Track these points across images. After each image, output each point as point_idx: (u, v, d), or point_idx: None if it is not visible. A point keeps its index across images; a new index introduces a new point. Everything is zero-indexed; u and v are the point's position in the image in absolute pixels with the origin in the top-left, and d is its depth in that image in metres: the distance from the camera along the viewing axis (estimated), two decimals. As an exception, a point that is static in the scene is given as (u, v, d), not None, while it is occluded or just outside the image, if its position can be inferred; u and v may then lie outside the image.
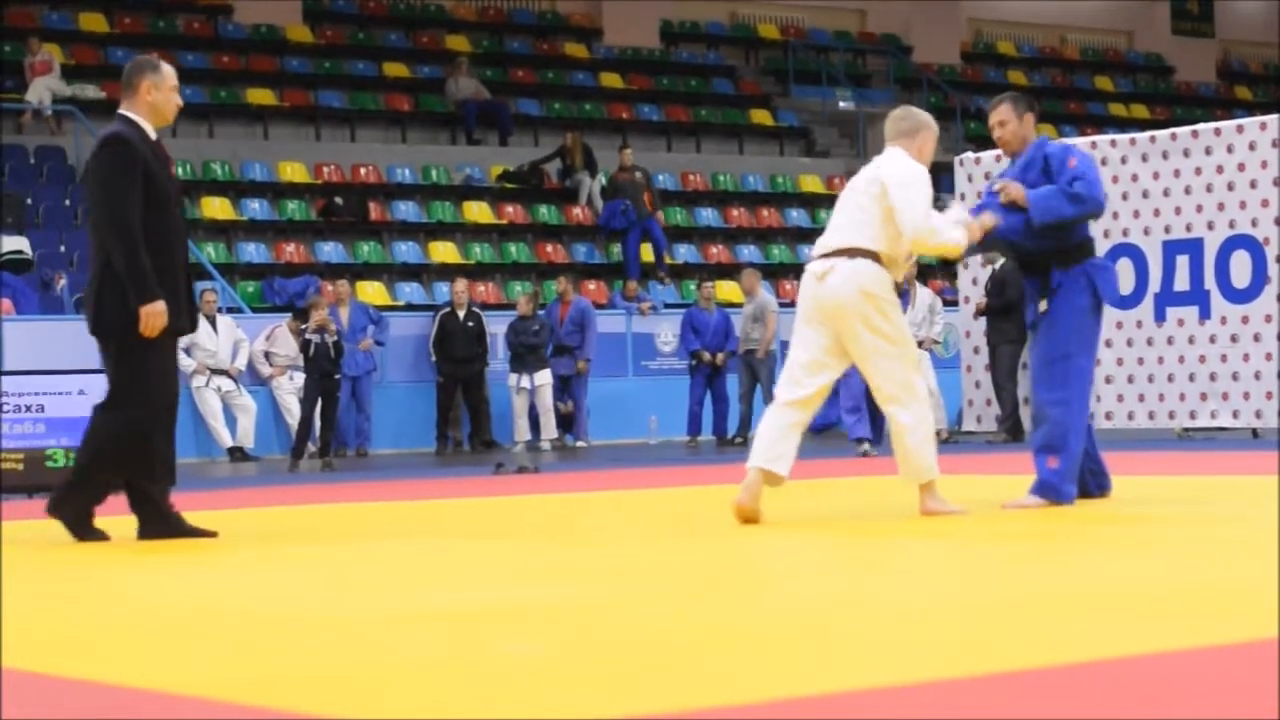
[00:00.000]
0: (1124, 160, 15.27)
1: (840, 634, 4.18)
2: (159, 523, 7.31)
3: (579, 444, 18.68)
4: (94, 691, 3.65)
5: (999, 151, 16.81)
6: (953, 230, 7.53)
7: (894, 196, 7.34)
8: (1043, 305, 7.80)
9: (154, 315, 7.20)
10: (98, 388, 11.81)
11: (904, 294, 14.41)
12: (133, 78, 7.47)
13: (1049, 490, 7.70)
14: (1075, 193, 7.68)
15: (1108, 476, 8.14)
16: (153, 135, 7.44)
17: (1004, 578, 5.39)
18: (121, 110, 7.46)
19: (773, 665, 3.73)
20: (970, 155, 17.13)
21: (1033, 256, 7.91)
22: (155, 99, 7.44)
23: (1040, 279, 7.89)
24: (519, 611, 4.75)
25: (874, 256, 7.39)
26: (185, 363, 16.54)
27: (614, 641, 4.20)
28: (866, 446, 14.01)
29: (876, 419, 14.01)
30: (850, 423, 14.29)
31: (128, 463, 7.32)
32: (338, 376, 15.82)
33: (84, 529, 7.37)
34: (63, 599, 5.54)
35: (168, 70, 7.52)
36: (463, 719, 3.22)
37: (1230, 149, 14.70)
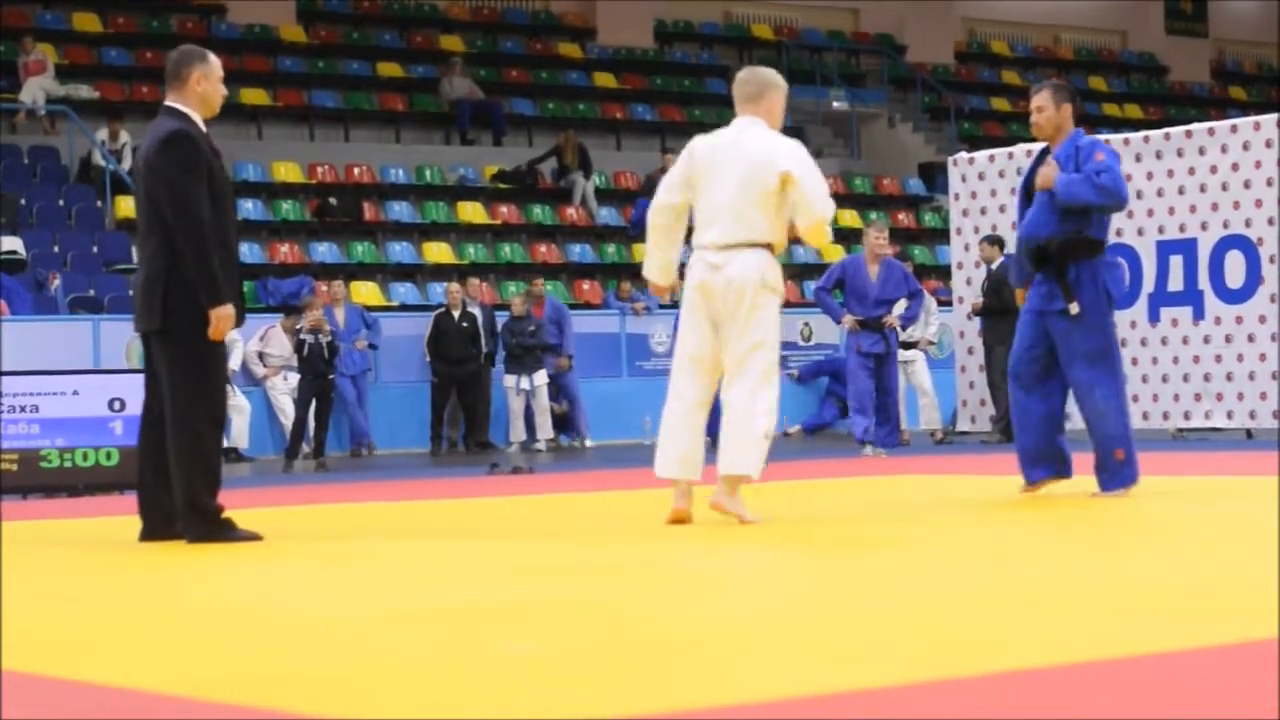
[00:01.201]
0: (1118, 160, 15.28)
1: (839, 632, 4.18)
2: (163, 525, 7.27)
3: (585, 440, 18.75)
4: (94, 692, 3.64)
5: (993, 152, 16.94)
6: None
7: (805, 188, 7.32)
8: (1074, 308, 8.17)
9: (223, 319, 7.00)
10: (91, 388, 11.89)
11: (917, 294, 14.41)
12: (181, 68, 7.17)
13: (1127, 480, 8.26)
14: (1101, 184, 8.11)
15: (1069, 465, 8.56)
16: (203, 128, 7.16)
17: (1001, 577, 5.39)
18: (170, 102, 7.16)
19: (770, 664, 3.73)
20: (964, 155, 17.15)
21: (1050, 249, 8.23)
22: (205, 90, 7.16)
23: (1056, 276, 8.23)
24: (515, 611, 4.75)
25: (769, 248, 7.43)
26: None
27: (610, 640, 4.20)
28: (869, 448, 14.02)
29: (886, 420, 14.03)
30: (860, 424, 14.24)
31: (214, 454, 7.15)
32: (332, 376, 15.83)
33: (230, 531, 7.13)
34: (63, 599, 5.53)
35: (215, 60, 7.24)
36: (460, 718, 3.22)
37: (1224, 149, 14.71)
